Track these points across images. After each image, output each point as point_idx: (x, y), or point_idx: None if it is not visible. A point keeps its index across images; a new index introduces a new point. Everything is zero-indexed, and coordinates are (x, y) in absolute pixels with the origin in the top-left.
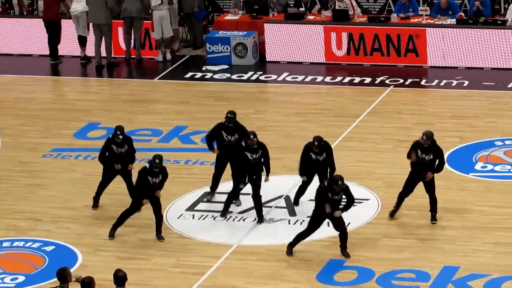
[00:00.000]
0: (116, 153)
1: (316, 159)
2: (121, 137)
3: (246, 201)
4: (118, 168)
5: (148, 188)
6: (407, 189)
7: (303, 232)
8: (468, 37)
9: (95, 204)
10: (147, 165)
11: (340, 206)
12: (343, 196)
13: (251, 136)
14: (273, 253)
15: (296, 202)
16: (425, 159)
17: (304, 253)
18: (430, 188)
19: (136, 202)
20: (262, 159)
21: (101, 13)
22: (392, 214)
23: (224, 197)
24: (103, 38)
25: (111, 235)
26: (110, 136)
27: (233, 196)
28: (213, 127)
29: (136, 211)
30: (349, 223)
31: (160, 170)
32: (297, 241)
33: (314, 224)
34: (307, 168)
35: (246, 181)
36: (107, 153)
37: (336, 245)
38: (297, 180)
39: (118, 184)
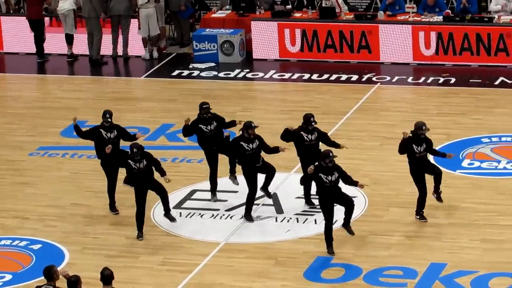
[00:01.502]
0: (105, 139)
1: (310, 140)
2: (109, 120)
3: (232, 198)
4: (109, 151)
5: (134, 174)
6: (423, 190)
7: (325, 227)
8: (454, 34)
9: (113, 208)
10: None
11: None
12: (337, 176)
13: (253, 125)
14: (260, 250)
15: (309, 201)
16: (422, 152)
17: (291, 251)
18: (433, 168)
19: (136, 191)
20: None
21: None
22: (422, 217)
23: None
24: (94, 35)
25: (139, 236)
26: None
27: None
28: (190, 124)
29: (144, 201)
30: (336, 220)
31: (142, 156)
32: (330, 238)
33: (328, 213)
34: (304, 154)
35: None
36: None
37: (323, 243)
38: (284, 177)
39: (105, 182)
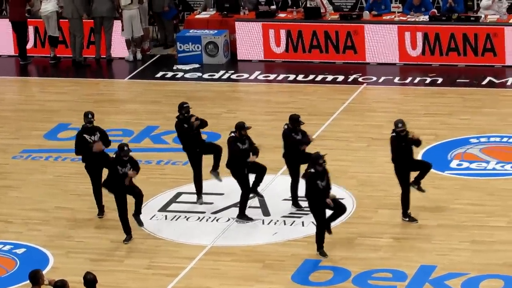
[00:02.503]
0: (90, 143)
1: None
2: (92, 120)
3: (218, 200)
4: (99, 148)
5: (119, 178)
6: (407, 188)
7: (318, 230)
8: (441, 34)
9: (101, 211)
10: (114, 155)
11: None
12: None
13: (246, 126)
14: (247, 253)
15: (297, 204)
16: (409, 147)
17: (279, 253)
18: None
19: (118, 195)
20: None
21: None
22: (411, 218)
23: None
24: (76, 36)
25: (128, 239)
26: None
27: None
28: (175, 126)
29: (125, 204)
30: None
31: (128, 159)
32: (322, 240)
33: (320, 216)
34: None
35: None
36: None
37: (311, 245)
38: (271, 179)
39: (89, 185)
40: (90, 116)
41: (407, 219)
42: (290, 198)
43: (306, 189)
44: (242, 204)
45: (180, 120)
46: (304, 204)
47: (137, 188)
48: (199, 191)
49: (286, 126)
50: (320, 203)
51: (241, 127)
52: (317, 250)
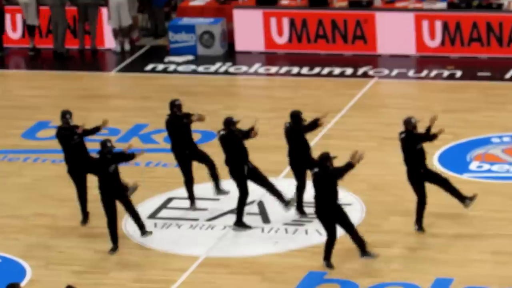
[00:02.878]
0: (71, 144)
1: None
2: (70, 120)
3: (213, 206)
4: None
5: (108, 179)
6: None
7: (327, 242)
8: (460, 23)
9: (85, 218)
10: (98, 156)
11: None
12: None
13: (234, 119)
14: (245, 265)
15: (301, 210)
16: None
17: (280, 265)
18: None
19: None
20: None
21: None
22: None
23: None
24: (58, 26)
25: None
26: (56, 127)
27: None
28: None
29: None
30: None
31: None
32: (330, 251)
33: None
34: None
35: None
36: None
37: (316, 256)
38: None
39: (71, 190)
40: (68, 116)
41: (417, 228)
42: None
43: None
44: (239, 210)
45: (172, 118)
46: (308, 210)
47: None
48: (191, 197)
49: (288, 124)
50: (330, 207)
51: (229, 123)
52: (324, 260)
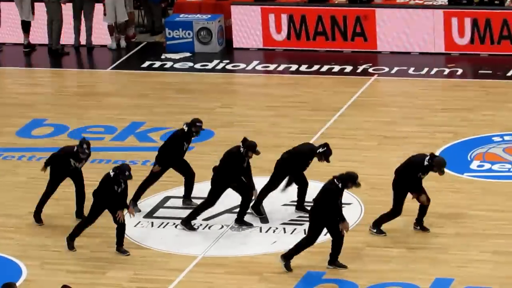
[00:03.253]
0: (71, 167)
1: None
2: (87, 152)
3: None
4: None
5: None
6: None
7: (303, 241)
8: (461, 20)
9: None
10: (111, 173)
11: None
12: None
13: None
14: (243, 265)
15: (303, 208)
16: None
17: (278, 265)
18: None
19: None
20: None
21: None
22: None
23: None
24: (53, 22)
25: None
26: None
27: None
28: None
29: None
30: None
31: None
32: (296, 253)
33: (316, 232)
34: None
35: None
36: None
37: (314, 255)
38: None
39: (66, 189)
40: (85, 146)
41: (418, 227)
42: (291, 203)
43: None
44: (243, 209)
45: (183, 135)
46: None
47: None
48: (188, 195)
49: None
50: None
51: (253, 148)
52: (283, 259)
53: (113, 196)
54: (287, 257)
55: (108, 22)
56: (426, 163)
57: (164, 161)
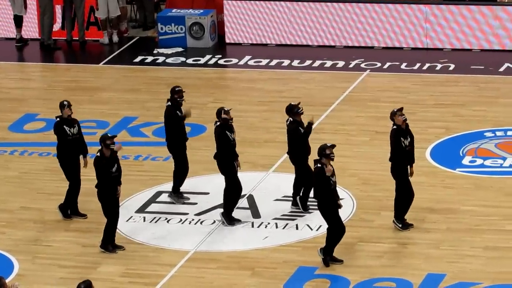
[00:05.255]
0: (69, 136)
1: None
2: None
3: (203, 200)
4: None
5: (110, 180)
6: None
7: (331, 234)
8: (454, 15)
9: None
10: (99, 154)
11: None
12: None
13: (225, 109)
14: (235, 260)
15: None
16: (407, 146)
17: (270, 260)
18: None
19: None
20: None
21: None
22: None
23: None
24: (45, 16)
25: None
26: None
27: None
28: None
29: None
30: (320, 226)
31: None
32: (333, 246)
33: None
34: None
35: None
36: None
37: (306, 251)
38: (262, 176)
39: (58, 183)
40: (66, 104)
41: (400, 226)
42: (283, 198)
43: (316, 187)
44: (226, 204)
45: (173, 105)
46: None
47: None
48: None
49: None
50: (333, 201)
51: (220, 112)
52: (324, 259)
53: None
54: (325, 252)
55: (100, 17)
56: (393, 125)
57: (175, 145)
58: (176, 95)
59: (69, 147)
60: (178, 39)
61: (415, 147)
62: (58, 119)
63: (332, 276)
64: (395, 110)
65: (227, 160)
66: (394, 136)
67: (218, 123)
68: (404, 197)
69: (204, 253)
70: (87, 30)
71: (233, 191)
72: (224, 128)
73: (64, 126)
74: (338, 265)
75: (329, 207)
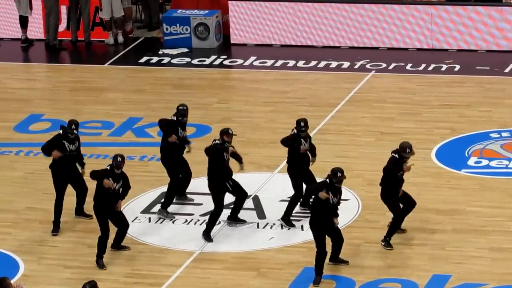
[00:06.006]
0: (67, 151)
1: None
2: (75, 132)
3: (208, 201)
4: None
5: (109, 196)
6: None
7: (318, 255)
8: (459, 16)
9: (56, 228)
10: (108, 167)
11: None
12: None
13: (231, 131)
14: (240, 260)
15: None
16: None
17: (276, 261)
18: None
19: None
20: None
21: None
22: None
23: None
24: (51, 16)
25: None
26: (61, 131)
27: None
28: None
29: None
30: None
31: (120, 176)
32: (321, 267)
33: (321, 239)
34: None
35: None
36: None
37: (311, 251)
38: (267, 177)
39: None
40: (73, 127)
41: (383, 244)
42: (289, 198)
43: (313, 200)
44: (210, 223)
45: (173, 122)
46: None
47: (125, 218)
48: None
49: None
50: (325, 222)
51: (224, 133)
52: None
53: (109, 193)
54: (317, 273)
55: (104, 17)
56: (395, 155)
57: (166, 156)
58: (178, 113)
59: (63, 162)
60: (183, 39)
61: (421, 148)
62: (61, 132)
63: (337, 277)
64: (407, 151)
65: (218, 179)
66: (393, 165)
67: (217, 141)
68: (406, 207)
69: (209, 253)
70: (92, 31)
71: (216, 212)
72: (222, 147)
73: (64, 141)
74: (343, 266)
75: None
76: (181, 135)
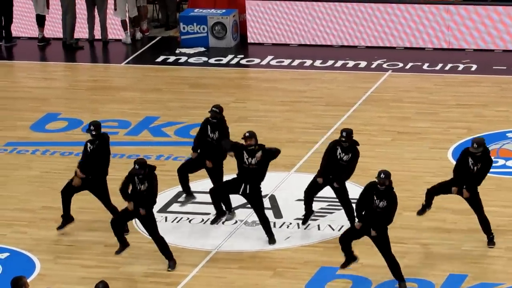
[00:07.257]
0: (87, 151)
1: (340, 158)
2: (94, 133)
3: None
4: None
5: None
6: (440, 189)
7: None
8: (476, 15)
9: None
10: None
11: None
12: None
13: (247, 134)
14: (256, 260)
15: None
16: (474, 170)
17: (292, 260)
18: (475, 206)
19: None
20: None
21: None
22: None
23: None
24: (67, 15)
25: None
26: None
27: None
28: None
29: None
30: (342, 226)
31: (146, 177)
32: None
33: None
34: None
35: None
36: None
37: (329, 251)
38: (284, 176)
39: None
40: (92, 128)
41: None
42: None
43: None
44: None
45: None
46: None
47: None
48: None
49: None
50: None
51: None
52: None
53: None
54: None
55: (118, 17)
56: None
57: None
58: (211, 113)
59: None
60: (200, 38)
61: (437, 147)
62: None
63: (354, 276)
64: (474, 146)
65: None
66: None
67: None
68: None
69: (226, 253)
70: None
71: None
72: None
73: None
74: (359, 265)
75: None
76: (210, 135)
